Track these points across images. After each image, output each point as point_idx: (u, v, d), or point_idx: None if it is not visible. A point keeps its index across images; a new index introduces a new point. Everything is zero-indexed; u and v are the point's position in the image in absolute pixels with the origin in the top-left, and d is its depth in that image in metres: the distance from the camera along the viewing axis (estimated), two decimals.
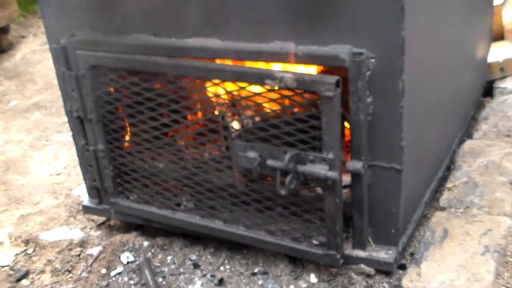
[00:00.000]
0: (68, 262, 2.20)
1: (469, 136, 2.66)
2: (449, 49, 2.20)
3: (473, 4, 2.57)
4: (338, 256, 1.82)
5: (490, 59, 3.07)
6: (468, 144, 2.50)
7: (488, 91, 3.07)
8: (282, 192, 1.73)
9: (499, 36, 3.28)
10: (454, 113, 2.48)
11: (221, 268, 2.05)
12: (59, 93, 2.17)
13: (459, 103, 2.55)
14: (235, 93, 1.82)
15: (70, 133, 2.23)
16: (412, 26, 1.61)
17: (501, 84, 3.03)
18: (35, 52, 5.01)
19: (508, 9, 3.40)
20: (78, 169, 2.41)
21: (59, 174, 2.92)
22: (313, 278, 1.93)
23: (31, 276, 2.16)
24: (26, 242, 2.36)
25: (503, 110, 2.78)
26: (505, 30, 3.30)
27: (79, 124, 2.13)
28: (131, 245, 2.21)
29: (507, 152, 2.37)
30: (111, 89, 2.04)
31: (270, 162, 1.74)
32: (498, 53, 3.11)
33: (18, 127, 3.55)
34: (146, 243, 2.21)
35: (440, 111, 2.17)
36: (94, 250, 2.24)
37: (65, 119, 2.62)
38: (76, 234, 2.37)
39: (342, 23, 1.60)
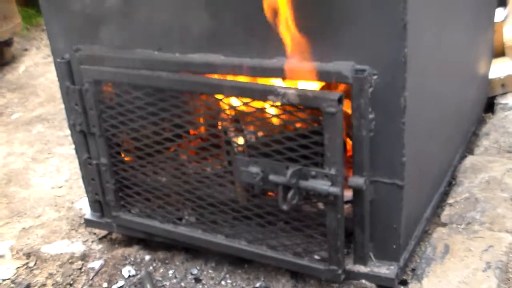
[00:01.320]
0: (70, 276, 2.20)
1: (470, 151, 2.66)
2: (451, 66, 2.21)
3: (475, 21, 2.58)
4: (340, 271, 1.82)
5: (491, 75, 3.08)
6: (469, 160, 2.51)
7: (490, 107, 3.08)
8: (284, 207, 1.74)
9: (500, 52, 3.29)
10: (456, 129, 2.49)
11: (223, 282, 2.05)
12: (62, 106, 2.18)
13: (461, 119, 2.56)
14: (238, 108, 1.83)
15: (72, 146, 2.24)
16: (415, 43, 1.62)
17: (502, 100, 3.05)
18: (38, 65, 5.04)
19: (509, 25, 3.42)
20: (80, 182, 2.41)
21: (61, 187, 2.92)
22: None
23: None
24: (28, 255, 2.36)
25: (504, 126, 2.79)
26: (506, 47, 3.32)
27: (82, 138, 2.14)
28: (132, 259, 2.21)
29: (508, 168, 2.38)
30: (115, 104, 2.05)
31: (272, 177, 1.75)
32: (499, 69, 3.12)
33: (21, 140, 3.56)
34: (147, 257, 2.21)
35: (442, 127, 2.18)
36: (96, 264, 2.24)
37: (68, 132, 2.64)
38: (77, 247, 2.37)
39: (345, 39, 1.62)
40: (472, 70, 2.70)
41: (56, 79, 2.12)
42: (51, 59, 2.11)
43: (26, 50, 5.42)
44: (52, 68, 2.12)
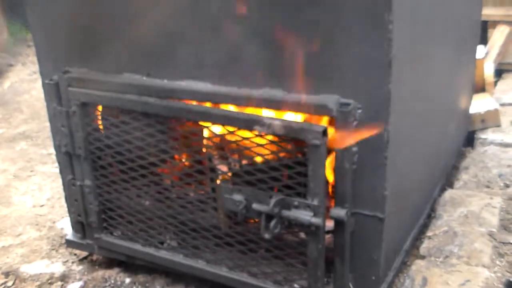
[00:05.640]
0: None
1: (450, 185, 2.71)
2: (434, 100, 2.26)
3: (457, 58, 2.64)
4: None
5: (472, 110, 3.15)
6: (449, 194, 2.55)
7: (470, 141, 3.14)
8: (266, 236, 1.76)
9: (480, 88, 3.38)
10: (437, 162, 2.53)
11: None
12: (46, 123, 2.18)
13: (442, 153, 2.61)
14: (224, 136, 1.85)
15: (55, 165, 2.25)
16: (399, 79, 1.66)
17: (482, 135, 3.11)
18: (23, 81, 5.02)
19: (489, 62, 3.50)
20: (62, 201, 2.42)
21: (42, 205, 2.91)
22: None
23: None
24: (6, 274, 2.34)
25: (483, 161, 2.85)
26: (486, 83, 3.40)
27: (67, 159, 2.15)
28: (112, 281, 2.21)
29: (487, 203, 2.42)
30: (101, 127, 2.06)
31: (255, 206, 1.77)
32: (479, 104, 3.19)
33: (3, 156, 3.55)
34: (128, 280, 2.21)
35: (423, 160, 2.22)
36: (75, 285, 2.23)
37: (51, 150, 2.64)
38: (57, 267, 2.36)
39: (331, 73, 1.65)
40: (454, 105, 2.76)
41: (41, 96, 2.12)
42: (36, 75, 2.13)
43: (11, 65, 5.40)
44: (37, 85, 2.14)
